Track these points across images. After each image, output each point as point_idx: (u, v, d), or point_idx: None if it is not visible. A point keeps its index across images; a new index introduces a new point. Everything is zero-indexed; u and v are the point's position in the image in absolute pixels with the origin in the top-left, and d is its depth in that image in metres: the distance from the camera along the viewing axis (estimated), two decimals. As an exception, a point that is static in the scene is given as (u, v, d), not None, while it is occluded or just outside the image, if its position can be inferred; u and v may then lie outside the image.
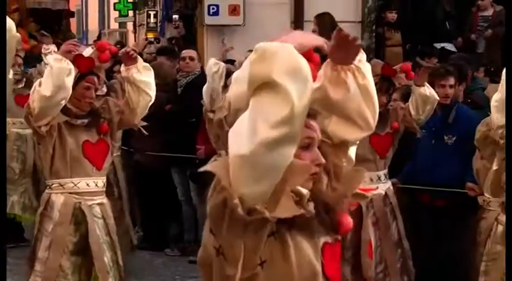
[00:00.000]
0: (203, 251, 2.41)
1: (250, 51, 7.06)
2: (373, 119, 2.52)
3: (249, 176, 2.18)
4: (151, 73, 5.26)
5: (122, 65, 5.44)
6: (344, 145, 2.52)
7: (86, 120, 5.11)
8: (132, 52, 5.16)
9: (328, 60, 2.52)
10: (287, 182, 2.24)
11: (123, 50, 5.25)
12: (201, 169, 2.34)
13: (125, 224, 6.90)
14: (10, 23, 3.56)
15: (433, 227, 6.20)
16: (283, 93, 2.14)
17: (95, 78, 5.13)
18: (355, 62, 2.49)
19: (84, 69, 5.04)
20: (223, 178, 2.23)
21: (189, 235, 8.21)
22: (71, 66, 4.87)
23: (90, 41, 22.99)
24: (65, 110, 5.01)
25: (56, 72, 4.82)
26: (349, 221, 2.40)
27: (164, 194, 8.23)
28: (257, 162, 2.16)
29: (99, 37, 20.70)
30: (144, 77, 5.17)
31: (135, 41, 19.55)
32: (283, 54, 2.18)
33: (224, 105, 4.64)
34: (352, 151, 2.55)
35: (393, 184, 5.93)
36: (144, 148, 8.10)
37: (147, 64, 5.37)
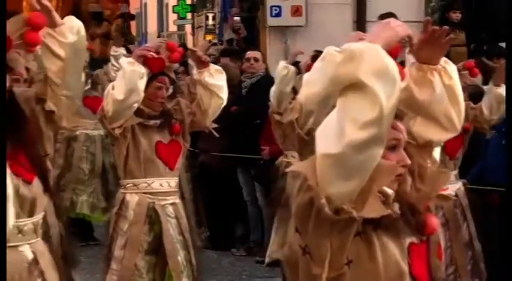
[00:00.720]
0: (288, 250, 2.44)
1: (317, 52, 7.05)
2: (458, 120, 2.53)
3: (336, 176, 2.21)
4: (224, 76, 5.34)
5: (194, 68, 5.54)
6: (429, 145, 2.53)
7: (158, 121, 5.20)
8: (204, 57, 5.26)
9: (414, 60, 2.52)
10: (374, 183, 2.26)
11: (197, 53, 5.33)
12: (290, 168, 2.37)
13: (190, 224, 6.97)
14: (79, 25, 3.65)
15: (502, 228, 6.14)
16: (371, 94, 2.16)
17: (166, 79, 5.22)
18: (441, 62, 2.49)
19: (156, 70, 5.13)
20: (310, 177, 2.25)
21: (254, 235, 8.26)
22: (144, 69, 4.96)
23: (149, 43, 23.16)
24: (137, 111, 5.10)
25: (129, 76, 4.91)
26: (434, 222, 2.42)
27: (230, 195, 8.30)
28: (345, 162, 2.18)
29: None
30: (216, 80, 5.26)
31: (193, 43, 19.67)
32: (370, 54, 2.19)
33: (295, 108, 4.67)
34: (437, 152, 2.56)
35: (463, 185, 5.90)
36: (209, 149, 8.19)
37: (219, 67, 5.45)
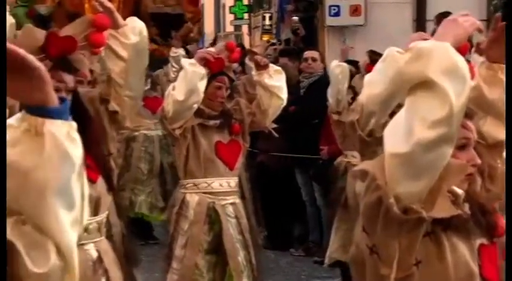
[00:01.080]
0: (355, 249, 2.42)
1: (372, 52, 6.96)
2: None
3: (405, 175, 2.18)
4: (283, 77, 5.33)
5: (252, 68, 5.55)
6: (499, 145, 2.49)
7: (218, 121, 5.21)
8: (263, 61, 5.27)
9: (481, 59, 2.49)
10: (444, 182, 2.22)
11: (256, 57, 5.35)
12: (358, 167, 2.35)
13: (250, 224, 6.98)
14: (141, 26, 3.68)
15: None
16: (441, 93, 2.13)
17: (226, 78, 5.23)
18: None
19: (216, 70, 5.15)
20: (378, 176, 2.23)
21: (313, 235, 8.24)
22: (204, 71, 4.98)
23: (206, 44, 23.30)
24: (197, 112, 5.12)
25: (190, 77, 4.93)
26: (503, 223, 2.37)
27: (288, 195, 8.29)
28: (414, 162, 2.16)
29: (215, 40, 20.99)
30: (275, 81, 5.26)
31: (250, 43, 19.71)
32: (439, 52, 2.16)
33: (356, 109, 4.65)
34: (508, 152, 2.51)
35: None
36: (267, 149, 8.18)
37: (279, 68, 5.44)
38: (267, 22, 19.00)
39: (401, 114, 2.21)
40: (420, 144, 2.13)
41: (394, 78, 4.35)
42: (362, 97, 4.65)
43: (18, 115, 1.64)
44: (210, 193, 5.20)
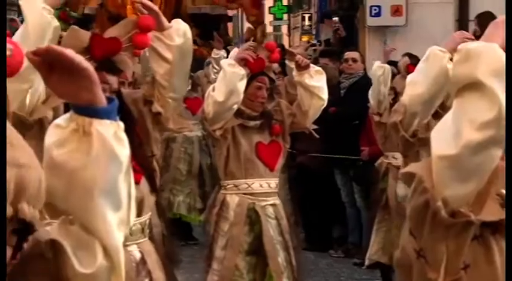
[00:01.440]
0: (401, 253, 2.39)
1: (409, 55, 6.89)
2: None
3: (453, 178, 2.15)
4: (324, 77, 5.31)
5: (293, 68, 5.53)
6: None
7: (258, 122, 5.20)
8: (304, 62, 5.25)
9: None
10: (492, 185, 2.19)
11: (296, 57, 5.33)
12: (404, 170, 2.32)
13: (289, 225, 6.96)
14: (185, 27, 3.68)
15: None
16: (490, 94, 2.10)
17: (266, 79, 5.22)
18: None
19: (256, 70, 5.14)
20: (425, 179, 2.20)
21: (353, 237, 8.20)
22: (244, 71, 4.97)
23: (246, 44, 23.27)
24: (238, 112, 5.11)
25: (229, 77, 4.92)
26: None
27: (327, 196, 8.26)
28: (462, 164, 2.13)
29: (254, 40, 20.99)
30: (316, 82, 5.24)
31: (289, 44, 19.69)
32: (488, 53, 2.13)
33: (398, 109, 4.62)
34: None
35: None
36: (307, 150, 8.15)
37: (320, 68, 5.42)
38: (307, 23, 18.99)
39: (448, 116, 2.18)
40: (468, 146, 2.10)
41: (437, 78, 4.33)
42: (405, 98, 4.62)
43: (66, 115, 1.64)
44: (250, 194, 5.19)
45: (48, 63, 1.61)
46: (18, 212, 1.47)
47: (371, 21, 10.19)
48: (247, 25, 28.80)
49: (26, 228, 1.50)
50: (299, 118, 5.30)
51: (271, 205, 5.26)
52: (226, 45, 11.17)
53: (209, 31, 11.76)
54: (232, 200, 5.19)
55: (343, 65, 8.29)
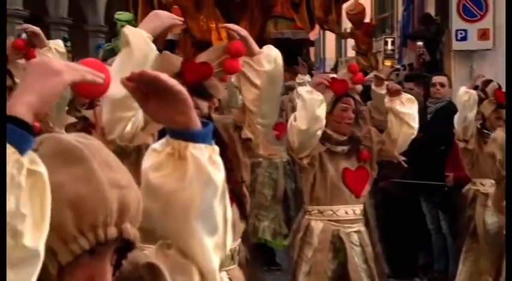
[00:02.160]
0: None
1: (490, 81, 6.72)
2: None
3: None
4: (415, 106, 5.25)
5: (375, 92, 5.50)
6: None
7: (346, 148, 5.16)
8: (396, 87, 5.20)
9: None
10: None
11: (388, 83, 5.30)
12: None
13: (375, 252, 6.88)
14: (276, 53, 3.66)
15: None
16: None
17: (351, 100, 5.17)
18: None
19: (340, 92, 5.11)
20: None
21: (439, 264, 8.05)
22: (321, 97, 4.92)
23: (327, 69, 23.33)
24: (325, 137, 5.08)
25: (309, 104, 4.88)
26: None
27: (413, 222, 8.13)
28: None
29: (336, 65, 20.98)
30: (407, 109, 5.19)
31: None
32: None
33: (495, 138, 4.53)
34: None
35: None
36: (391, 175, 8.05)
37: (412, 97, 5.36)
38: (389, 47, 18.91)
39: None
40: None
41: None
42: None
43: (163, 140, 1.65)
44: (335, 221, 5.14)
45: (144, 88, 1.62)
46: (123, 232, 1.48)
47: (457, 45, 10.06)
48: (329, 49, 28.83)
49: (127, 246, 1.52)
50: (388, 146, 5.24)
51: (356, 231, 5.20)
52: (310, 70, 11.19)
53: (292, 56, 11.81)
54: (317, 226, 5.16)
55: (431, 89, 8.18)
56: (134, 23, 13.12)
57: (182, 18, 3.46)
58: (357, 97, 5.38)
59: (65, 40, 7.33)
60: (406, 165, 5.42)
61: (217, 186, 1.65)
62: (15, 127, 1.33)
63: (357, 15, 15.42)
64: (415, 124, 5.22)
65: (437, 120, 7.94)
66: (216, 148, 1.66)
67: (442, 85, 8.04)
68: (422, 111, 8.04)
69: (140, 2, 11.49)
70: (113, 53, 12.91)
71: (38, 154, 1.39)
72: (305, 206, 5.28)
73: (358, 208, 5.22)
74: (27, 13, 19.78)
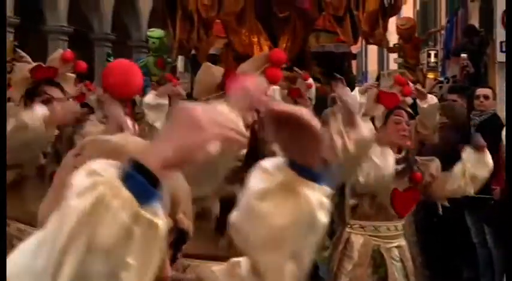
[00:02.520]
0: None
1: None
2: None
3: None
4: (489, 171, 5.21)
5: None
6: None
7: (400, 167, 5.07)
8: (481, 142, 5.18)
9: None
10: None
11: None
12: None
13: (416, 267, 6.81)
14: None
15: None
16: None
17: (403, 112, 5.11)
18: None
19: (391, 105, 5.06)
20: None
21: (484, 278, 7.93)
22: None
23: (370, 82, 23.22)
24: None
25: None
26: None
27: (457, 236, 8.03)
28: None
29: (378, 78, 20.85)
30: (481, 173, 5.16)
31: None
32: None
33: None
34: None
35: None
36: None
37: (490, 161, 5.32)
38: (432, 59, 18.77)
39: None
40: None
41: None
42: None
43: (276, 161, 1.59)
44: (376, 236, 5.09)
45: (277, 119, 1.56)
46: (178, 222, 1.50)
47: (502, 57, 9.94)
48: (371, 62, 28.70)
49: (181, 238, 1.53)
50: (436, 186, 5.18)
51: (397, 246, 5.14)
52: (352, 83, 11.14)
53: (335, 69, 11.78)
54: (357, 240, 5.11)
55: (475, 101, 8.08)
56: (165, 39, 13.23)
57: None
58: (409, 109, 5.31)
59: (108, 55, 7.41)
60: (441, 213, 5.38)
61: (320, 230, 1.59)
62: (139, 175, 1.27)
63: (407, 30, 15.37)
64: (476, 188, 5.15)
65: (482, 132, 7.83)
66: (329, 191, 1.59)
67: (486, 97, 7.95)
68: (465, 124, 7.97)
69: (178, 18, 11.54)
70: (145, 68, 13.05)
71: (83, 157, 1.38)
72: (346, 218, 5.24)
73: (400, 224, 5.17)
74: (72, 29, 20.01)
